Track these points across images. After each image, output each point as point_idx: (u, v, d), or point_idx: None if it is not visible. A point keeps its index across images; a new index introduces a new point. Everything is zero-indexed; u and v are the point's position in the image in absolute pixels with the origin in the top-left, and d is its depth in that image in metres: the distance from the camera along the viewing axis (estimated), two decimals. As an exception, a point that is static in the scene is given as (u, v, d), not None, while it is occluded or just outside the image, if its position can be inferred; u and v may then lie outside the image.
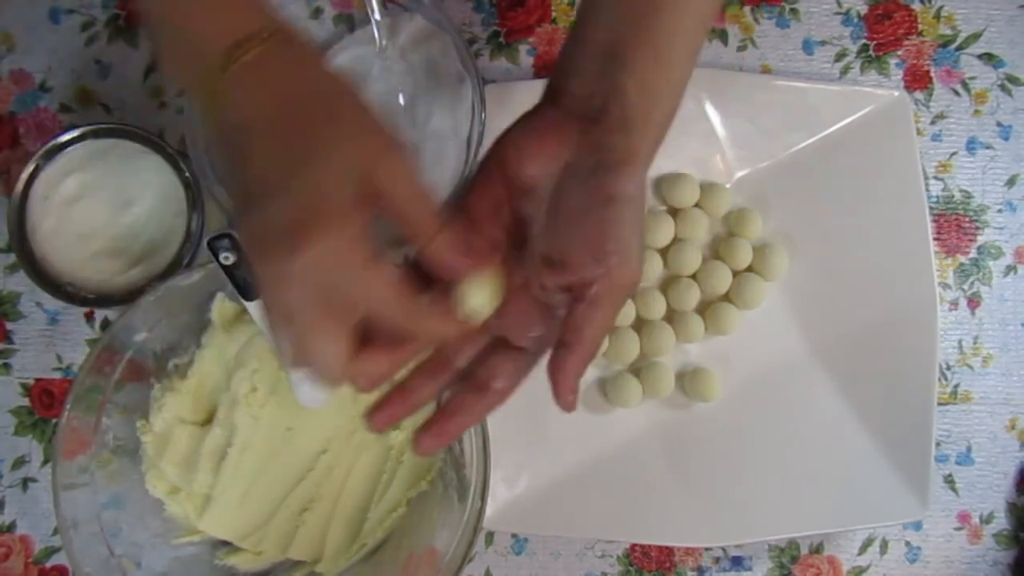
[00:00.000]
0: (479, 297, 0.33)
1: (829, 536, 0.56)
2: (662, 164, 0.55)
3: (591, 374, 0.54)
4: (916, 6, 0.58)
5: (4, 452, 0.55)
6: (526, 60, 0.57)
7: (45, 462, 0.55)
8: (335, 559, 0.51)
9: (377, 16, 0.50)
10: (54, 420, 0.55)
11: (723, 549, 0.56)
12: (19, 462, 0.55)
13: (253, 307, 0.46)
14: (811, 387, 0.54)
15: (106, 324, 0.56)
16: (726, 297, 0.55)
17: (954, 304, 0.57)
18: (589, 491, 0.53)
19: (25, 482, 0.55)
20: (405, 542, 0.50)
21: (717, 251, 0.56)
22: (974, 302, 0.57)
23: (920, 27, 0.58)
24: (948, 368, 0.57)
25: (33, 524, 0.55)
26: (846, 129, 0.55)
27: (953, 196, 0.58)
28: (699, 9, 0.34)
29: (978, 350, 0.57)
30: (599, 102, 0.33)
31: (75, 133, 0.50)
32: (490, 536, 0.55)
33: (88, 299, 0.50)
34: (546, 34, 0.57)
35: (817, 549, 0.56)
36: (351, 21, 0.55)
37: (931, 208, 0.57)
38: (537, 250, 0.34)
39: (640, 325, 0.54)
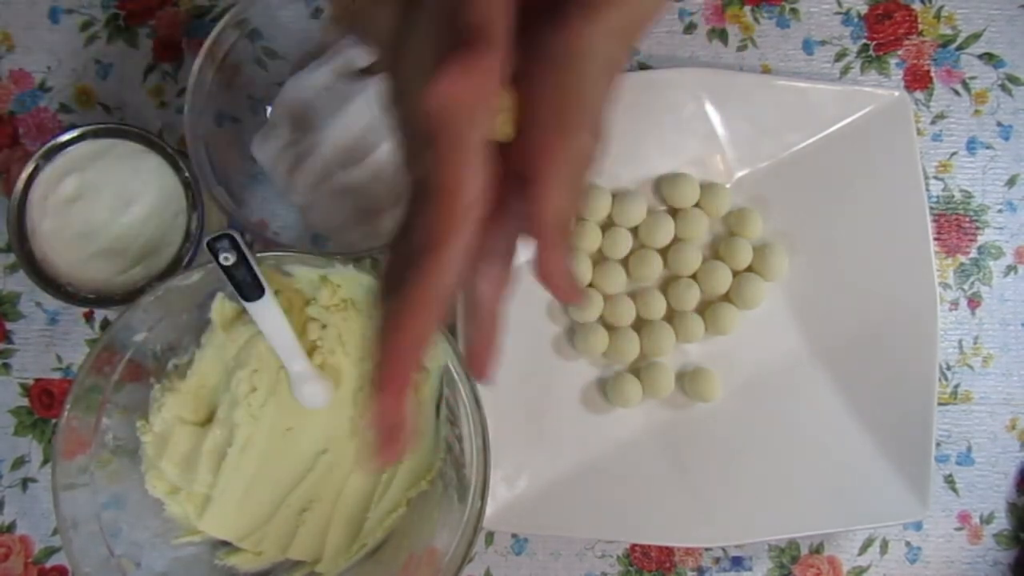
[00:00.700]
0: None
1: (829, 536, 0.56)
2: (662, 164, 0.55)
3: (591, 373, 0.55)
4: (916, 6, 0.58)
5: (4, 452, 0.55)
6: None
7: (45, 462, 0.55)
8: (335, 559, 0.51)
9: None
10: (54, 420, 0.55)
11: (723, 549, 0.56)
12: (19, 462, 0.55)
13: (253, 308, 0.46)
14: (811, 387, 0.54)
15: (106, 324, 0.56)
16: (726, 297, 0.55)
17: (954, 304, 0.57)
18: (589, 491, 0.53)
19: (25, 482, 0.55)
20: (405, 542, 0.50)
21: (717, 251, 0.56)
22: (974, 302, 0.57)
23: (920, 27, 0.58)
24: (948, 368, 0.57)
25: (33, 524, 0.55)
26: (846, 129, 0.55)
27: (953, 196, 0.58)
28: None
29: (978, 350, 0.57)
30: None
31: (75, 133, 0.50)
32: (490, 536, 0.55)
33: (88, 299, 0.50)
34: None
35: (817, 549, 0.56)
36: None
37: (931, 208, 0.57)
38: None
39: (640, 325, 0.54)
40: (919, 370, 0.53)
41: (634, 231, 0.55)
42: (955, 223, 0.58)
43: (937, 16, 0.58)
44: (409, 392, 0.29)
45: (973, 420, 0.57)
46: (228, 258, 0.44)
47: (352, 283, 0.48)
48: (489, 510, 0.47)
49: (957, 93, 0.58)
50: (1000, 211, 0.58)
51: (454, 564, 0.45)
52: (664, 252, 0.55)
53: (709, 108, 0.55)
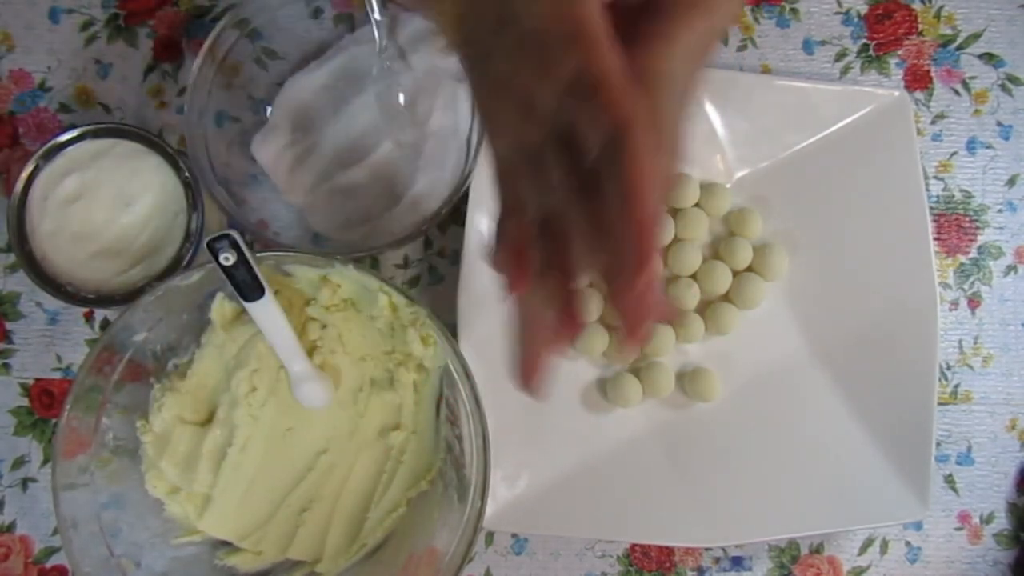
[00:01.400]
0: None
1: (829, 536, 0.56)
2: (662, 164, 0.55)
3: (591, 373, 0.55)
4: (916, 6, 0.58)
5: (4, 452, 0.55)
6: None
7: (45, 462, 0.55)
8: (335, 559, 0.51)
9: (377, 16, 0.50)
10: (54, 420, 0.55)
11: (723, 549, 0.56)
12: (19, 462, 0.55)
13: (253, 308, 0.46)
14: (811, 387, 0.54)
15: (106, 324, 0.56)
16: (726, 297, 0.55)
17: (954, 304, 0.57)
18: (589, 491, 0.53)
19: (25, 482, 0.55)
20: (405, 542, 0.50)
21: (717, 251, 0.56)
22: (974, 302, 0.57)
23: (920, 27, 0.58)
24: (948, 368, 0.57)
25: (33, 524, 0.55)
26: (846, 129, 0.55)
27: (953, 196, 0.58)
28: None
29: (978, 350, 0.57)
30: None
31: (74, 133, 0.50)
32: (490, 536, 0.55)
33: (88, 299, 0.50)
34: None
35: (817, 549, 0.56)
36: (351, 21, 0.55)
37: (931, 208, 0.57)
38: None
39: (640, 325, 0.54)
40: (919, 370, 0.53)
41: (634, 231, 0.55)
42: (955, 223, 0.58)
43: (937, 16, 0.58)
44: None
45: (973, 420, 0.57)
46: (228, 258, 0.44)
47: (352, 283, 0.48)
48: (489, 510, 0.47)
49: (957, 93, 0.58)
50: (1000, 211, 0.58)
51: (454, 564, 0.45)
52: (664, 252, 0.55)
53: (709, 108, 0.55)
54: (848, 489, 0.53)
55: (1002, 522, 0.57)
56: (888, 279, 0.54)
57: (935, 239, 0.57)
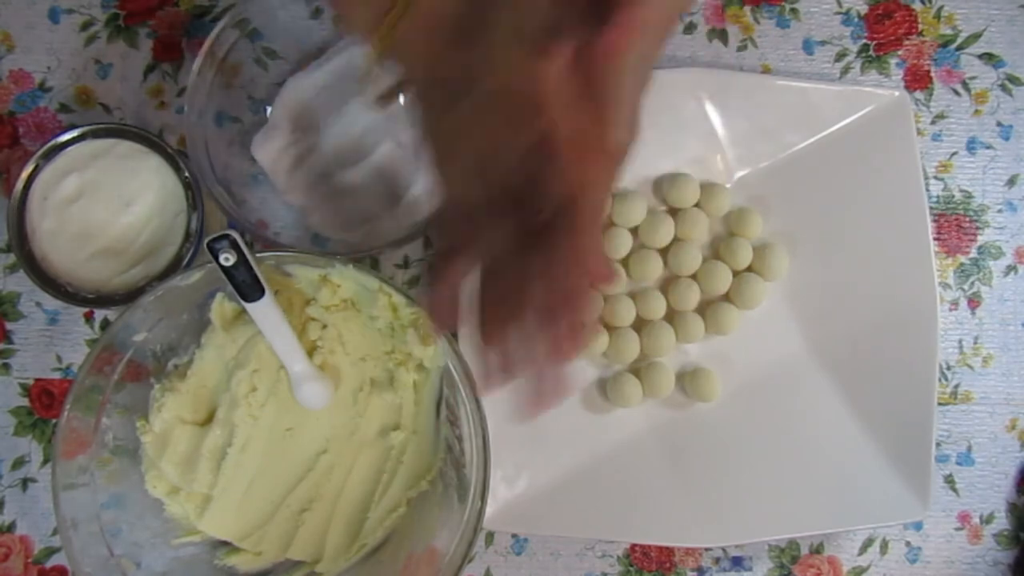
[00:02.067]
0: None
1: (829, 536, 0.56)
2: (662, 164, 0.55)
3: (591, 373, 0.54)
4: (916, 6, 0.58)
5: (4, 452, 0.55)
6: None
7: (45, 462, 0.55)
8: (335, 559, 0.51)
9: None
10: (54, 420, 0.55)
11: (723, 549, 0.56)
12: (19, 462, 0.55)
13: (253, 308, 0.46)
14: (811, 387, 0.54)
15: (106, 324, 0.56)
16: (726, 297, 0.55)
17: (954, 304, 0.57)
18: (589, 491, 0.53)
19: (25, 482, 0.55)
20: (405, 542, 0.50)
21: (717, 251, 0.55)
22: (974, 302, 0.57)
23: (920, 27, 0.58)
24: (948, 368, 0.57)
25: (33, 524, 0.55)
26: (846, 129, 0.55)
27: (953, 196, 0.58)
28: None
29: (978, 350, 0.57)
30: None
31: (74, 133, 0.50)
32: (490, 536, 0.55)
33: (88, 299, 0.50)
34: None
35: (817, 549, 0.56)
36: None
37: (931, 208, 0.57)
38: None
39: (640, 325, 0.54)
40: (919, 370, 0.53)
41: (634, 231, 0.55)
42: (955, 223, 0.58)
43: (937, 16, 0.58)
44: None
45: (973, 420, 0.57)
46: (228, 259, 0.44)
47: (352, 283, 0.48)
48: (489, 510, 0.47)
49: (957, 93, 0.58)
50: (1000, 211, 0.58)
51: (454, 564, 0.45)
52: (664, 252, 0.55)
53: (709, 108, 0.55)
54: (848, 489, 0.53)
55: (1002, 522, 0.57)
56: (888, 279, 0.54)
57: (935, 239, 0.57)
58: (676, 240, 0.55)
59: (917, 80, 0.58)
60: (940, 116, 0.58)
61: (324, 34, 0.54)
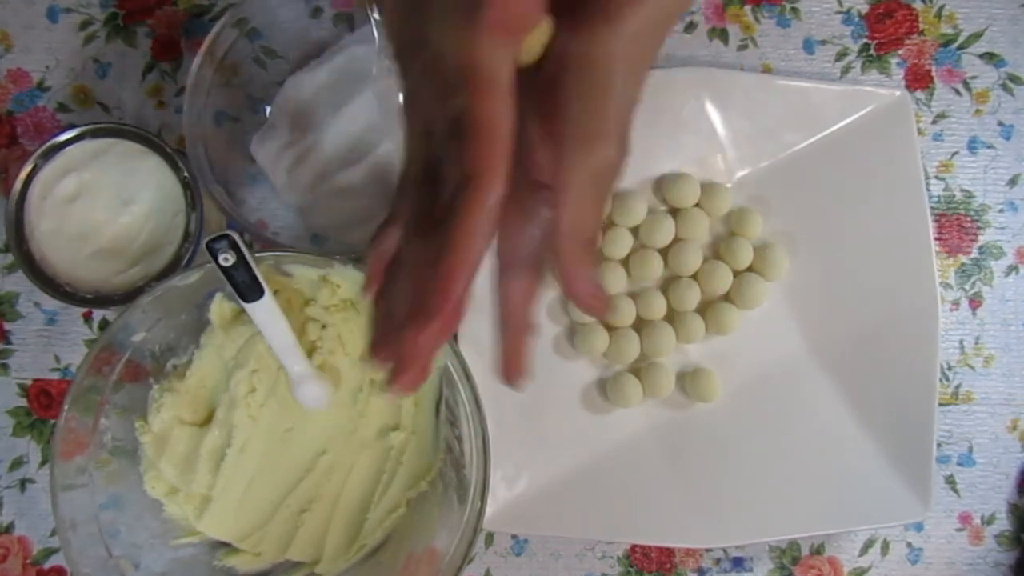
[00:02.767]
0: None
1: (830, 537, 0.56)
2: (662, 164, 0.55)
3: (591, 374, 0.54)
4: (917, 5, 0.58)
5: (2, 453, 0.55)
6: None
7: (43, 463, 0.55)
8: (335, 560, 0.51)
9: (377, 15, 0.50)
10: (52, 421, 0.55)
11: (724, 550, 0.56)
12: (17, 463, 0.55)
13: (252, 308, 0.45)
14: (812, 387, 0.54)
15: (104, 324, 0.55)
16: (726, 297, 0.55)
17: (955, 304, 0.57)
18: (589, 492, 0.53)
19: (23, 483, 0.55)
20: (405, 543, 0.50)
21: (717, 251, 0.55)
22: (975, 302, 0.57)
23: (921, 26, 0.58)
24: (949, 368, 0.57)
25: (31, 525, 0.55)
26: (847, 129, 0.55)
27: (954, 196, 0.58)
28: None
29: (979, 350, 0.57)
30: None
31: (73, 133, 0.50)
32: (490, 537, 0.55)
33: (86, 299, 0.50)
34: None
35: (818, 550, 0.56)
36: (351, 20, 0.55)
37: (932, 208, 0.57)
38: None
39: (640, 325, 0.54)
40: (920, 370, 0.53)
41: (634, 231, 0.55)
42: (956, 223, 0.58)
43: (938, 15, 0.58)
44: (453, 328, 0.29)
45: (974, 421, 0.57)
46: (227, 259, 0.44)
47: (352, 283, 0.48)
48: (489, 510, 0.47)
49: (958, 93, 0.58)
50: (1001, 211, 0.58)
51: (454, 565, 0.45)
52: (664, 252, 0.55)
53: (709, 108, 0.55)
54: (849, 490, 0.53)
55: (1003, 523, 0.56)
56: (889, 279, 0.54)
57: (936, 239, 0.57)
58: (676, 240, 0.55)
59: (918, 80, 0.58)
60: (941, 116, 0.58)
61: (323, 33, 0.54)
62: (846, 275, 0.55)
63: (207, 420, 0.50)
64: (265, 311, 0.46)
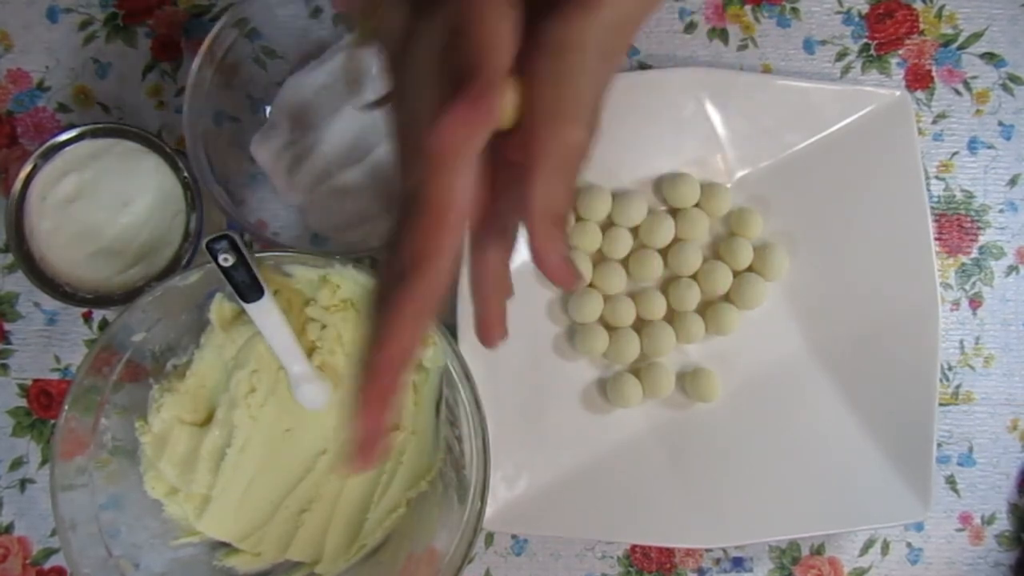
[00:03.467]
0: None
1: (830, 537, 0.56)
2: (662, 164, 0.55)
3: (591, 374, 0.54)
4: (918, 5, 0.58)
5: (2, 453, 0.55)
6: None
7: (43, 463, 0.55)
8: (334, 560, 0.51)
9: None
10: (52, 421, 0.55)
11: (724, 550, 0.56)
12: (17, 463, 0.55)
13: (252, 309, 0.45)
14: (812, 387, 0.54)
15: (104, 324, 0.55)
16: (726, 297, 0.55)
17: (955, 304, 0.57)
18: (589, 492, 0.53)
19: (23, 483, 0.55)
20: (405, 543, 0.50)
21: (717, 251, 0.55)
22: (976, 302, 0.57)
23: (921, 26, 0.58)
24: (950, 368, 0.57)
25: (31, 525, 0.55)
26: (847, 129, 0.55)
27: (954, 196, 0.58)
28: None
29: (980, 350, 0.57)
30: None
31: (73, 133, 0.50)
32: (490, 537, 0.55)
33: (86, 299, 0.50)
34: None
35: (818, 550, 0.56)
36: (351, 21, 0.55)
37: (932, 208, 0.57)
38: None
39: (640, 325, 0.54)
40: (920, 370, 0.53)
41: (634, 231, 0.55)
42: (956, 223, 0.58)
43: (938, 15, 0.58)
44: (393, 404, 0.29)
45: (974, 421, 0.57)
46: (227, 259, 0.44)
47: (352, 283, 0.48)
48: (489, 510, 0.47)
49: (958, 93, 0.58)
50: (1001, 211, 0.58)
51: (454, 565, 0.45)
52: (664, 252, 0.55)
53: (709, 108, 0.55)
54: (849, 490, 0.53)
55: (1003, 523, 0.56)
56: (889, 279, 0.54)
57: (936, 239, 0.57)
58: (676, 240, 0.55)
59: (918, 80, 0.58)
60: (941, 116, 0.58)
61: (323, 33, 0.54)
62: (846, 275, 0.55)
63: (207, 420, 0.50)
64: (265, 311, 0.46)
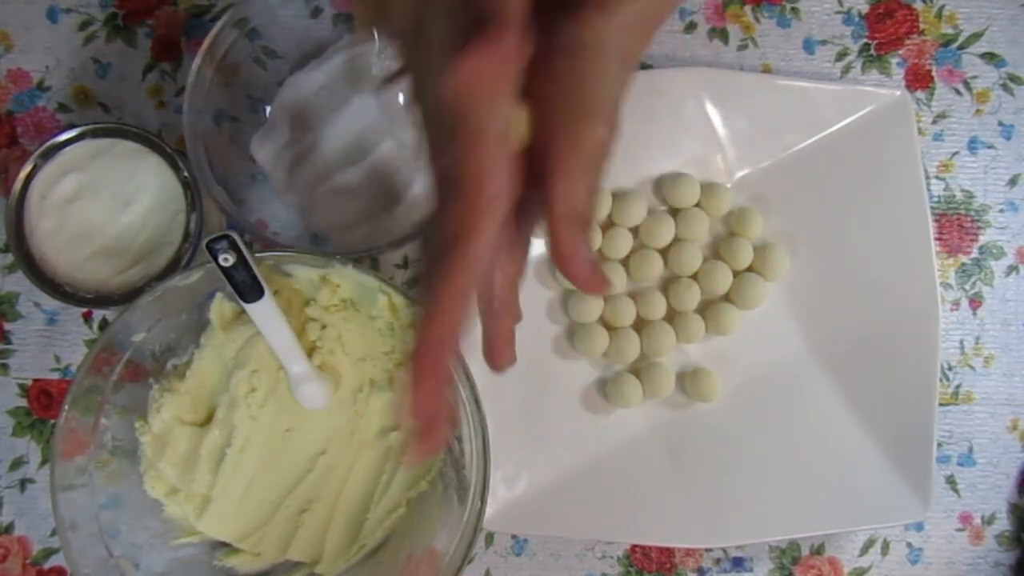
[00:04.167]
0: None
1: (830, 537, 0.56)
2: (662, 164, 0.55)
3: (590, 374, 0.54)
4: (918, 5, 0.58)
5: (2, 453, 0.55)
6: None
7: (43, 463, 0.55)
8: (334, 560, 0.51)
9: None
10: (52, 421, 0.55)
11: (724, 550, 0.56)
12: (17, 463, 0.55)
13: (252, 309, 0.45)
14: (812, 387, 0.54)
15: (104, 324, 0.55)
16: (726, 297, 0.55)
17: (956, 304, 0.57)
18: (589, 492, 0.53)
19: (23, 483, 0.55)
20: (405, 543, 0.50)
21: (717, 251, 0.55)
22: (976, 302, 0.57)
23: (922, 26, 0.58)
24: (950, 368, 0.57)
25: (31, 525, 0.55)
26: (847, 129, 0.55)
27: (955, 196, 0.58)
28: None
29: (980, 350, 0.57)
30: None
31: (73, 132, 0.50)
32: (490, 537, 0.55)
33: (86, 299, 0.50)
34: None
35: (818, 550, 0.56)
36: (351, 20, 0.55)
37: (932, 208, 0.57)
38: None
39: (640, 325, 0.54)
40: (920, 370, 0.53)
41: (634, 231, 0.55)
42: (956, 223, 0.58)
43: (939, 15, 0.58)
44: (445, 384, 0.29)
45: (974, 421, 0.57)
46: (227, 259, 0.44)
47: (352, 283, 0.48)
48: (489, 511, 0.46)
49: (958, 93, 0.58)
50: (1002, 211, 0.58)
51: (454, 565, 0.45)
52: (664, 252, 0.55)
53: (709, 108, 0.55)
54: (849, 490, 0.53)
55: (1003, 523, 0.56)
56: (889, 279, 0.54)
57: (936, 239, 0.57)
58: (676, 240, 0.55)
59: (918, 80, 0.58)
60: (941, 116, 0.58)
61: (323, 33, 0.54)
62: (846, 275, 0.55)
63: (207, 420, 0.50)
64: (265, 311, 0.46)
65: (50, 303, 0.55)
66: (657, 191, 0.55)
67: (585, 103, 0.28)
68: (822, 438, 0.54)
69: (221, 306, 0.49)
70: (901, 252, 0.54)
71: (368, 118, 0.52)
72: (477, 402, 0.45)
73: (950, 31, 0.58)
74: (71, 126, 0.50)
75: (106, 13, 0.56)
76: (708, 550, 0.55)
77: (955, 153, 0.58)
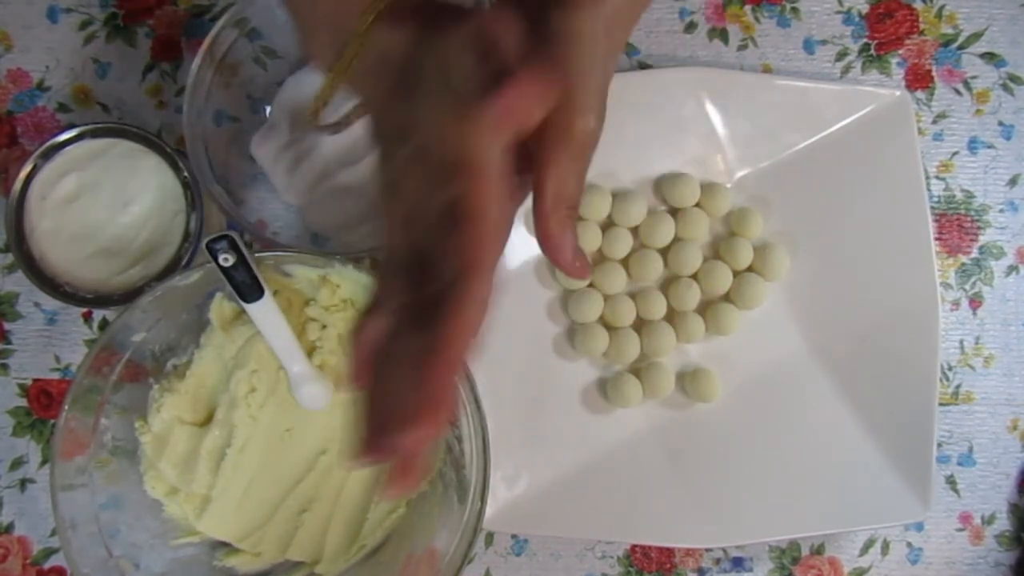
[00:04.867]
0: None
1: (830, 537, 0.56)
2: (662, 164, 0.55)
3: (591, 374, 0.54)
4: (918, 5, 0.58)
5: (2, 453, 0.55)
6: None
7: (43, 463, 0.55)
8: (334, 560, 0.51)
9: (376, 15, 0.50)
10: (52, 421, 0.55)
11: (724, 550, 0.55)
12: (17, 463, 0.55)
13: (252, 309, 0.45)
14: (812, 387, 0.54)
15: (104, 324, 0.55)
16: (727, 297, 0.55)
17: (956, 304, 0.57)
18: (589, 492, 0.53)
19: (23, 483, 0.55)
20: (405, 543, 0.50)
21: (718, 251, 0.55)
22: (976, 302, 0.57)
23: (922, 26, 0.58)
24: (950, 368, 0.57)
25: (31, 525, 0.55)
26: (847, 129, 0.55)
27: (955, 196, 0.58)
28: None
29: (980, 350, 0.57)
30: None
31: (73, 132, 0.50)
32: (490, 537, 0.55)
33: (86, 299, 0.50)
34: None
35: (818, 550, 0.56)
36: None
37: (932, 208, 0.57)
38: None
39: (640, 325, 0.54)
40: (920, 370, 0.53)
41: (634, 231, 0.55)
42: (956, 223, 0.58)
43: (938, 15, 0.58)
44: (448, 416, 0.29)
45: (974, 421, 0.57)
46: (227, 259, 0.44)
47: (352, 283, 0.48)
48: (489, 510, 0.46)
49: (958, 93, 0.58)
50: (1001, 211, 0.58)
51: (454, 565, 0.45)
52: (664, 252, 0.55)
53: (709, 108, 0.55)
54: (849, 490, 0.53)
55: (1003, 523, 0.56)
56: (889, 279, 0.54)
57: (936, 239, 0.57)
58: (676, 240, 0.55)
59: (918, 80, 0.58)
60: (941, 116, 0.58)
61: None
62: (846, 275, 0.55)
63: (207, 420, 0.50)
64: (265, 311, 0.46)
65: (50, 303, 0.55)
66: (657, 191, 0.55)
67: (575, 95, 0.29)
68: (822, 438, 0.54)
69: (221, 306, 0.49)
70: (901, 252, 0.54)
71: (368, 118, 0.52)
72: (477, 402, 0.45)
73: (950, 31, 0.58)
74: (71, 126, 0.50)
75: (106, 13, 0.56)
76: (708, 550, 0.55)
77: (955, 153, 0.58)
